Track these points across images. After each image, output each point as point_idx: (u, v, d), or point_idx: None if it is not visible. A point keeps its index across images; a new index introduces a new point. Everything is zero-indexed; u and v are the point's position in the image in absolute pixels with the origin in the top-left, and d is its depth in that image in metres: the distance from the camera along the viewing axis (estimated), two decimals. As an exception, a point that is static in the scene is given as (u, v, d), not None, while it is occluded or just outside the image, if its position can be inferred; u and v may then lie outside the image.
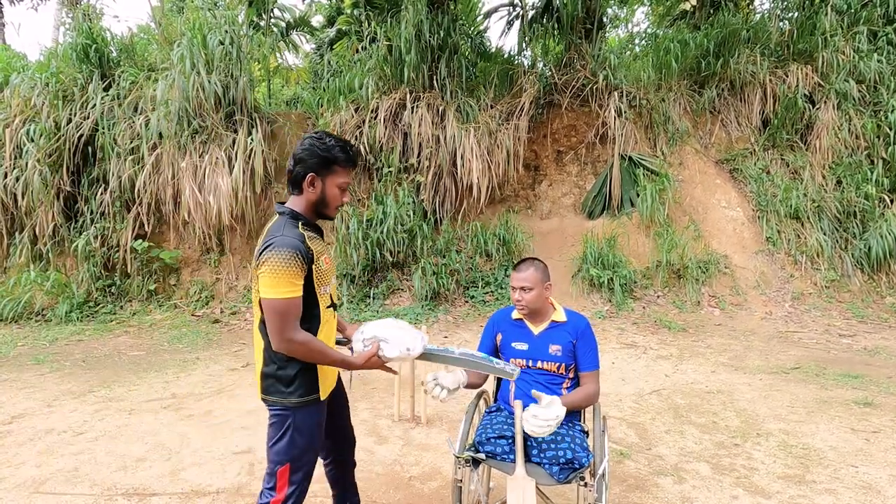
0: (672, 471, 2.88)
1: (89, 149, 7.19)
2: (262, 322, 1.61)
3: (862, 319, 6.32)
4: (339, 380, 1.94)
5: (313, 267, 1.60)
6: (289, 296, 1.51)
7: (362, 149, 7.21)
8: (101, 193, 7.06)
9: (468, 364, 1.80)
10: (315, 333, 1.65)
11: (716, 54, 8.06)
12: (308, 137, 1.67)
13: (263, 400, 1.67)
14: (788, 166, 7.86)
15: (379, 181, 7.26)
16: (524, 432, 1.78)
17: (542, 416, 1.75)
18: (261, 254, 1.54)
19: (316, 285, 1.63)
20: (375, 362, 1.70)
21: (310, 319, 1.63)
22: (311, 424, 1.66)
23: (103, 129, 7.01)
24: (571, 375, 2.12)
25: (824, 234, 7.17)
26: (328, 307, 1.71)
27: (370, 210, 6.98)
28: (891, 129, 7.37)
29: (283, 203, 1.72)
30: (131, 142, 7.00)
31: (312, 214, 1.71)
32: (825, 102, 7.76)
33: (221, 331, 6.30)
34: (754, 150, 8.05)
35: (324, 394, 1.70)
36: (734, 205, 7.60)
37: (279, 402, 1.62)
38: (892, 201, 7.23)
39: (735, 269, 6.96)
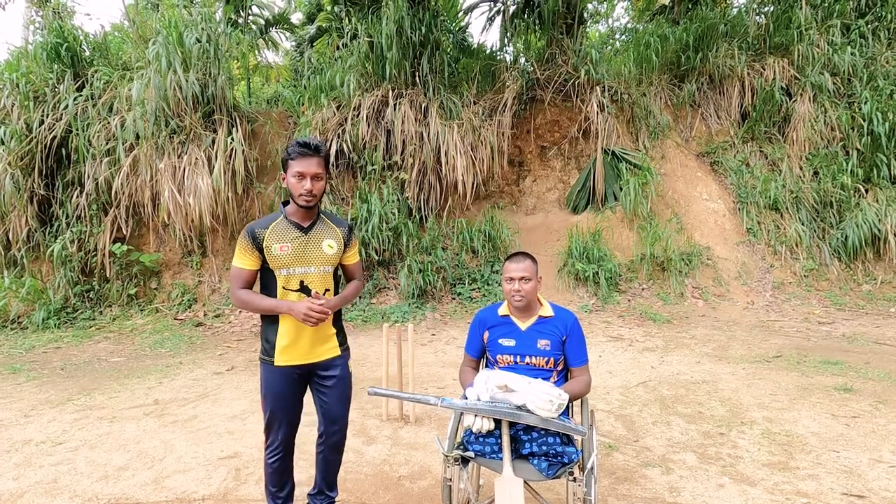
0: (659, 462, 2.91)
1: (63, 151, 6.99)
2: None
3: (840, 307, 6.47)
4: (336, 366, 2.12)
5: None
6: None
7: (345, 147, 7.14)
8: (77, 196, 6.88)
9: (542, 423, 1.76)
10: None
11: (695, 48, 8.16)
12: None
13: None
14: (767, 158, 8.00)
15: (363, 179, 7.20)
16: (510, 432, 1.77)
17: (548, 391, 1.76)
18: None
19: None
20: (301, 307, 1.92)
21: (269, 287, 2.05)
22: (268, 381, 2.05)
23: (77, 130, 6.83)
24: (559, 369, 2.12)
25: (802, 224, 7.32)
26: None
27: (354, 209, 6.92)
28: (864, 121, 7.54)
29: None
30: (107, 143, 6.83)
31: None
32: (801, 95, 7.91)
33: (205, 334, 6.19)
34: (734, 143, 8.17)
35: (279, 361, 2.01)
36: (715, 197, 7.71)
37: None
38: (866, 191, 7.40)
39: (717, 260, 7.06)
